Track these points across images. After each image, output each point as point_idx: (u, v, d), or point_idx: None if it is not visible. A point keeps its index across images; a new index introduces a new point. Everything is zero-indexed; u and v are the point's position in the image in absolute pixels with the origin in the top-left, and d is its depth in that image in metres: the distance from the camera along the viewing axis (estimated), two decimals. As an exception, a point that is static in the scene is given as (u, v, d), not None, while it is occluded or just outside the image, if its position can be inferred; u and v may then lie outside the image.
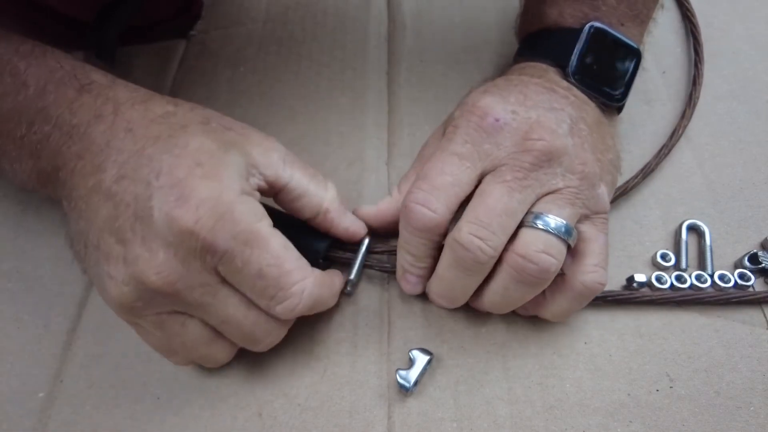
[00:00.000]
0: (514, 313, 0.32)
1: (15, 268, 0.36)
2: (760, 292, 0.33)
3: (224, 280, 0.27)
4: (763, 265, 0.33)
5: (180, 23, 0.49)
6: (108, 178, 0.26)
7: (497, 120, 0.28)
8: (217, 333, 0.28)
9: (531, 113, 0.29)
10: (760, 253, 0.34)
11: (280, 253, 0.26)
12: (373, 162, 0.40)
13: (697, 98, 0.40)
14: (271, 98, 0.44)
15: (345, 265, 0.33)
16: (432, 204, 0.27)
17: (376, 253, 0.34)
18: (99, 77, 0.29)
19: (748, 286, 0.33)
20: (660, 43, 0.45)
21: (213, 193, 0.25)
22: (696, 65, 0.42)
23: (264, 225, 0.27)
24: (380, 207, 0.33)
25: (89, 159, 0.27)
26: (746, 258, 0.34)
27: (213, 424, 0.31)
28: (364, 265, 0.33)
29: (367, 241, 0.33)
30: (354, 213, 0.33)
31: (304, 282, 0.27)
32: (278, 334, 0.29)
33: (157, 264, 0.25)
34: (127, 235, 0.25)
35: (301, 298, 0.27)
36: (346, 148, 0.41)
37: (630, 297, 0.32)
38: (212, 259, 0.25)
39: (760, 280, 0.34)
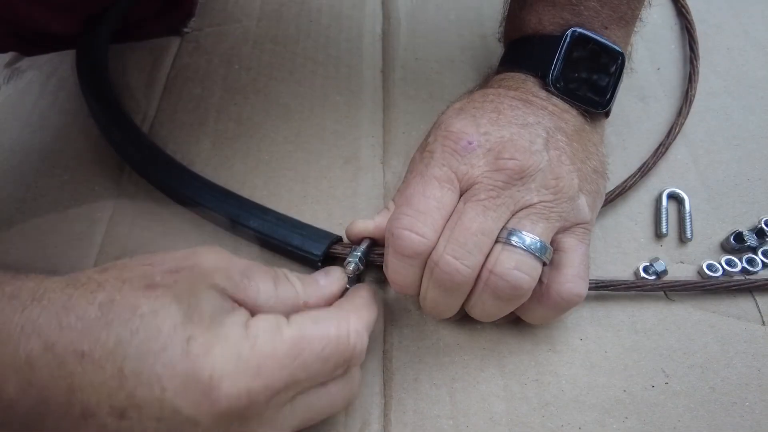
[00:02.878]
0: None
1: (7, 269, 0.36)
2: (749, 280, 0.33)
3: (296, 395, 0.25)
4: (748, 243, 0.34)
5: (172, 20, 0.49)
6: (103, 420, 0.22)
7: (470, 143, 0.29)
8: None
9: (504, 132, 0.29)
10: (745, 232, 0.34)
11: (317, 331, 0.25)
12: (369, 160, 0.40)
13: (693, 95, 0.40)
14: (266, 96, 0.43)
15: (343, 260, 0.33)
16: (419, 228, 0.27)
17: (377, 253, 0.33)
18: None
19: (736, 273, 0.34)
20: (654, 40, 0.45)
21: (231, 356, 0.23)
22: (691, 62, 0.42)
23: (287, 327, 0.25)
24: (377, 222, 0.32)
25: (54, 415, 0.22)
26: (732, 237, 0.35)
27: (209, 423, 0.31)
28: (366, 261, 0.33)
29: (369, 240, 0.33)
30: (351, 227, 0.33)
31: (350, 324, 0.26)
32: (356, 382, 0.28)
33: None
34: None
35: (360, 336, 0.26)
36: (341, 147, 0.40)
37: (617, 284, 0.32)
38: (279, 397, 0.24)
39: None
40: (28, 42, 0.48)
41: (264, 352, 0.23)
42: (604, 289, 0.32)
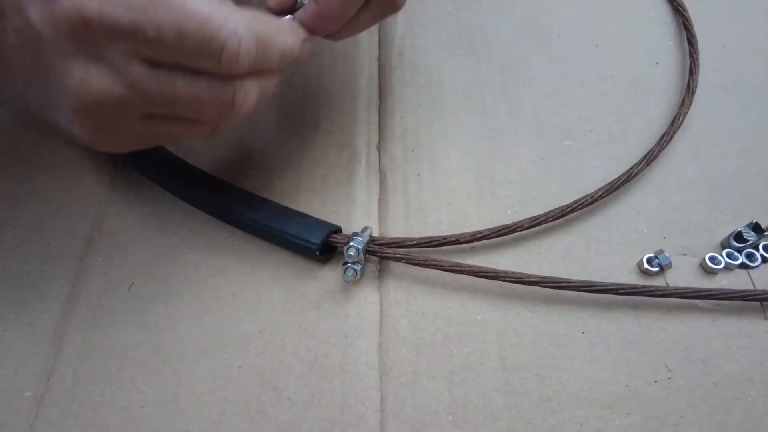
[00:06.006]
0: (511, 300, 0.32)
1: (1, 266, 0.35)
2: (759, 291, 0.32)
3: (158, 64, 0.24)
4: (750, 242, 0.34)
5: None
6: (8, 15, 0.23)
7: None
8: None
9: None
10: (744, 231, 0.34)
11: (185, 3, 0.23)
12: (364, 146, 0.39)
13: (695, 87, 0.40)
14: (260, 87, 0.43)
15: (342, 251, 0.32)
16: None
17: (377, 243, 0.33)
18: None
19: (736, 266, 0.34)
20: (652, 36, 0.45)
21: None
22: (691, 56, 0.42)
23: None
24: None
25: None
26: (732, 237, 0.34)
27: (200, 420, 0.30)
28: (365, 251, 0.32)
29: (369, 229, 0.33)
30: None
31: (229, 21, 0.23)
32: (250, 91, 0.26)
33: (77, 82, 0.23)
34: (28, 63, 0.23)
35: (239, 36, 0.23)
36: (335, 134, 0.40)
37: (621, 289, 0.32)
38: (125, 43, 0.22)
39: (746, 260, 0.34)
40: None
41: None
42: (612, 294, 0.32)
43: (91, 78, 0.23)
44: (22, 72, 0.24)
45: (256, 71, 0.26)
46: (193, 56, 0.24)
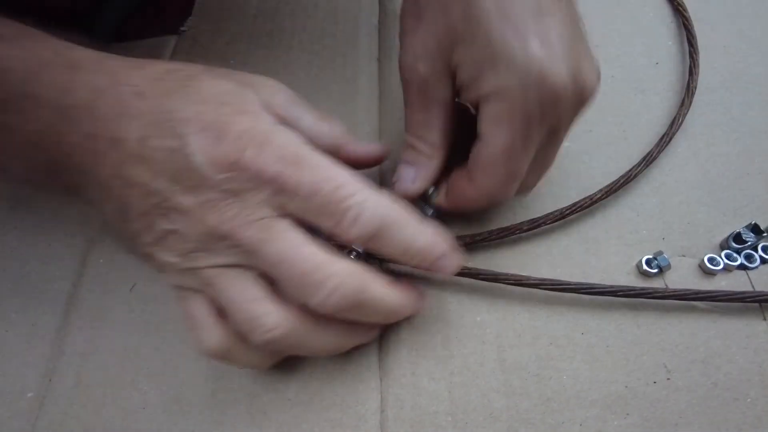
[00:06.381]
0: (510, 302, 0.32)
1: (2, 267, 0.35)
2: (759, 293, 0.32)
3: (284, 215, 0.26)
4: (749, 243, 0.34)
5: (169, 20, 0.49)
6: (131, 145, 0.25)
7: None
8: (271, 290, 0.27)
9: None
10: (742, 233, 0.34)
11: (330, 168, 0.26)
12: (364, 148, 0.39)
13: (695, 87, 0.40)
14: (260, 89, 0.43)
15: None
16: None
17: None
18: (86, 54, 0.28)
19: (735, 267, 0.34)
20: (651, 36, 0.45)
21: (248, 125, 0.25)
22: (691, 56, 0.42)
23: (307, 147, 0.26)
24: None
25: (102, 134, 0.25)
26: (731, 238, 0.34)
27: (201, 420, 0.30)
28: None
29: None
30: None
31: (363, 194, 0.25)
32: (351, 274, 0.26)
33: (210, 207, 0.25)
34: (172, 189, 0.25)
35: (362, 209, 0.25)
36: (336, 135, 0.40)
37: (620, 291, 0.32)
38: (268, 191, 0.25)
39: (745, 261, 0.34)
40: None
41: (278, 138, 0.25)
42: (611, 295, 0.32)
43: (226, 212, 0.25)
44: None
45: (370, 250, 0.27)
46: (316, 212, 0.25)
